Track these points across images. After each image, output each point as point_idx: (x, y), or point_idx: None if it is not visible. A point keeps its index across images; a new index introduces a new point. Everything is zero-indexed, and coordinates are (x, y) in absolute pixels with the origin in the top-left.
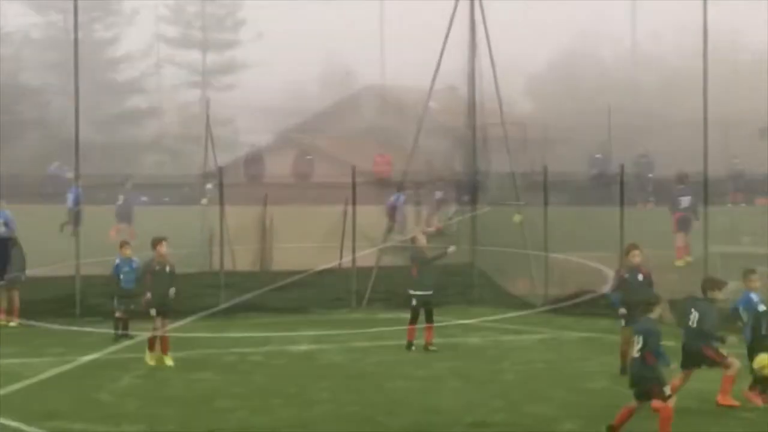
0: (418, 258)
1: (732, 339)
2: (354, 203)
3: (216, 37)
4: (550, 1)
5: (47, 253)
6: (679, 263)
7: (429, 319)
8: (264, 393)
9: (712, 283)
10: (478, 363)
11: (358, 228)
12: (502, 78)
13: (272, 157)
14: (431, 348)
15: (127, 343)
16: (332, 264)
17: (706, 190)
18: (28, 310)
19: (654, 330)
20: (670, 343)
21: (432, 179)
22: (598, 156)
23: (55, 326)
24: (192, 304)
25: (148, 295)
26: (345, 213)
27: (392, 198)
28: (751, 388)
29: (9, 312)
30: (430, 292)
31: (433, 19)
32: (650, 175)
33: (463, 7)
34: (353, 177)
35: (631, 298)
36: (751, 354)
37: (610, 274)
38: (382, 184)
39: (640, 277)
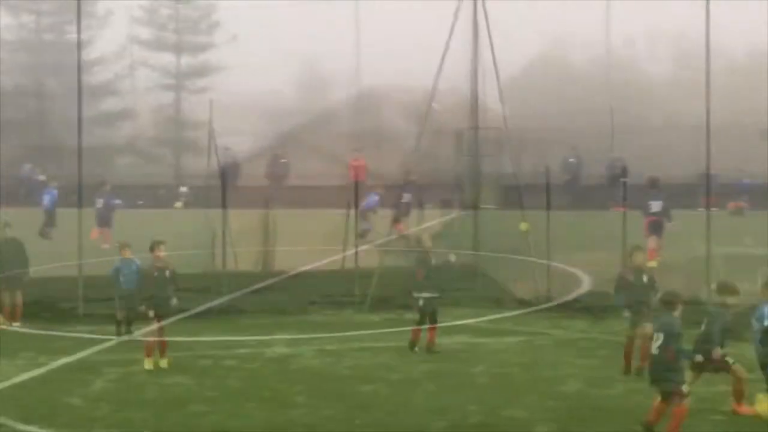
0: (424, 260)
1: (699, 357)
2: (356, 206)
3: (190, 39)
4: (524, 7)
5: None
6: (651, 264)
7: (433, 320)
8: (238, 397)
9: (724, 288)
10: (453, 366)
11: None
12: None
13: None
14: (434, 350)
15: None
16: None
17: (708, 192)
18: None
19: (676, 327)
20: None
21: (404, 181)
22: (571, 160)
23: (25, 330)
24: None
25: (150, 313)
26: (347, 215)
27: (366, 200)
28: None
29: (12, 313)
30: (436, 294)
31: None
32: (624, 179)
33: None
34: (355, 178)
35: (636, 300)
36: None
37: (585, 278)
38: (359, 187)
39: (645, 278)
